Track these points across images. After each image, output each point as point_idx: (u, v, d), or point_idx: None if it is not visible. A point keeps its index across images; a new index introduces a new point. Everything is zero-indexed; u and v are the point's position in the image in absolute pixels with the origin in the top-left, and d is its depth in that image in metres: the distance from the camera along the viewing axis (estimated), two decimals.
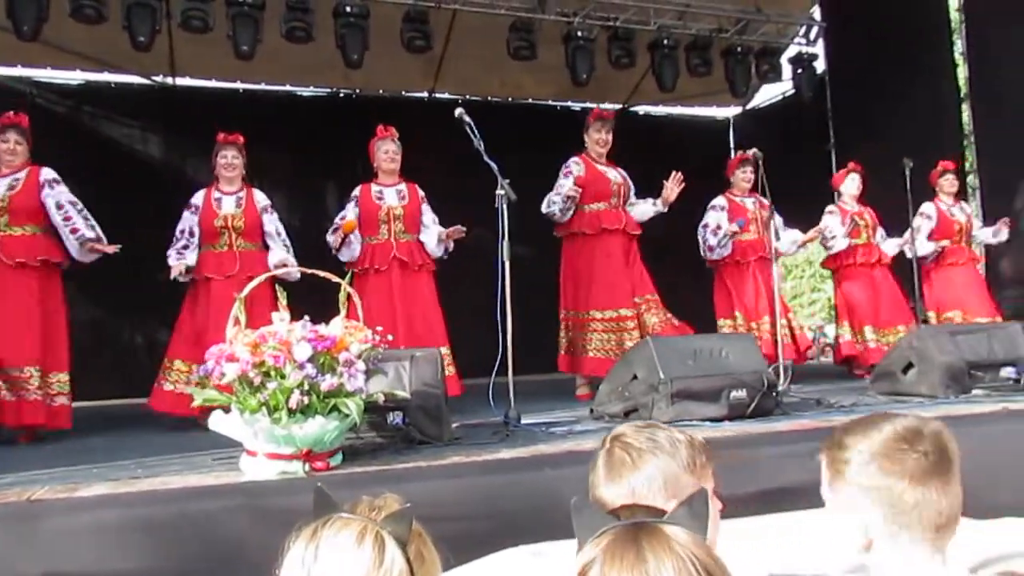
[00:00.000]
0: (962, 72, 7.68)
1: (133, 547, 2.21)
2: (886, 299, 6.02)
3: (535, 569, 2.04)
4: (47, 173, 4.32)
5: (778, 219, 5.74)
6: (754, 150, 4.74)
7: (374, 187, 4.94)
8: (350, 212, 4.85)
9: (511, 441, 3.12)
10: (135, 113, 7.56)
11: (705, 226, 5.72)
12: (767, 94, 9.34)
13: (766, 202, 5.50)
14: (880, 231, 6.25)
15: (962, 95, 7.67)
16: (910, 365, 4.20)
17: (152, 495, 2.37)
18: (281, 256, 4.61)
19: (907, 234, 5.91)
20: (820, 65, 8.38)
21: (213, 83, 7.89)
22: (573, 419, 3.75)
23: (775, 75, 8.01)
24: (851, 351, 6.06)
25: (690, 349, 3.68)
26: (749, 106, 9.60)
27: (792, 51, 8.17)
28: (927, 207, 6.12)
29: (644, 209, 5.36)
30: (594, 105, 8.78)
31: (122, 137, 7.53)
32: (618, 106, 9.15)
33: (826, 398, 4.10)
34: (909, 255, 5.89)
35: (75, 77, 7.42)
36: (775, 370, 4.06)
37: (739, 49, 7.63)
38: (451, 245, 4.98)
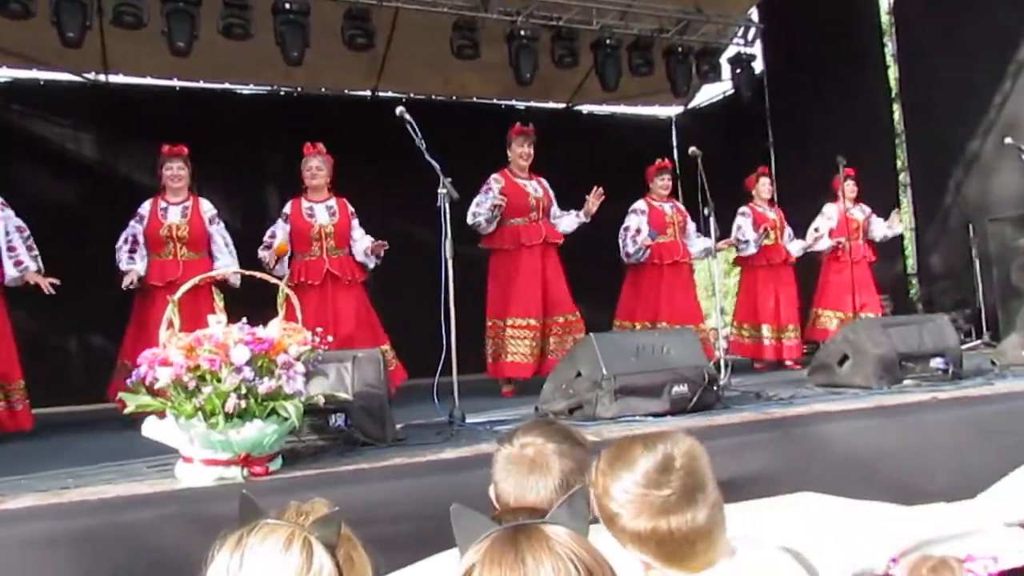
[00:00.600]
0: (893, 73, 7.93)
1: (63, 561, 2.15)
2: (785, 299, 6.42)
3: None
4: None
5: (691, 225, 6.08)
6: (692, 148, 4.81)
7: (304, 203, 4.99)
8: (280, 230, 4.91)
9: (455, 441, 3.11)
10: (66, 111, 7.31)
11: (626, 229, 5.88)
12: (708, 94, 9.51)
13: (682, 208, 5.97)
14: (788, 231, 6.61)
15: (893, 95, 7.91)
16: (845, 357, 4.32)
17: (83, 506, 2.30)
18: (226, 262, 4.70)
19: (809, 238, 6.50)
20: (759, 66, 8.56)
21: (148, 80, 7.66)
22: (518, 417, 3.75)
23: (715, 75, 8.16)
24: (742, 349, 6.49)
25: (633, 345, 3.72)
26: (691, 105, 9.75)
27: (731, 51, 8.33)
28: (828, 208, 6.52)
29: (569, 221, 5.50)
30: (539, 104, 8.88)
31: (53, 136, 7.26)
32: (562, 105, 9.21)
33: (765, 391, 4.18)
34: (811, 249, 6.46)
35: (1, 74, 7.14)
36: (716, 365, 4.13)
37: (680, 49, 7.74)
38: (380, 253, 5.01)
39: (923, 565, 1.38)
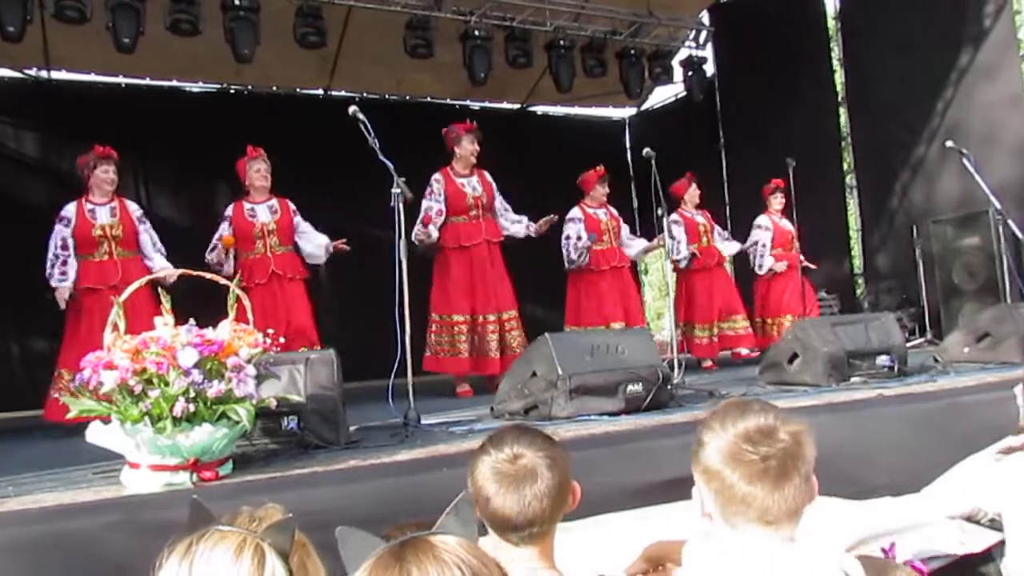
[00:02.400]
0: (839, 77, 8.11)
1: (3, 573, 2.07)
2: (723, 296, 6.60)
3: None
4: None
5: (624, 229, 6.21)
6: (647, 150, 4.85)
7: (246, 205, 5.06)
8: (225, 231, 4.98)
9: (410, 442, 3.07)
10: (7, 108, 7.08)
11: (567, 238, 5.98)
12: (661, 95, 9.61)
13: (616, 213, 6.13)
14: (718, 231, 6.80)
15: (839, 99, 8.09)
16: (795, 355, 4.39)
17: (23, 515, 2.21)
18: (163, 264, 4.69)
19: (754, 251, 6.66)
20: (710, 68, 8.68)
21: (93, 77, 7.46)
22: (473, 418, 3.74)
23: (667, 77, 8.26)
24: (690, 348, 6.63)
25: (588, 345, 3.73)
26: (644, 107, 9.85)
27: (683, 54, 8.43)
28: (763, 219, 6.72)
29: (519, 229, 5.57)
30: (493, 104, 8.89)
31: None
32: (516, 106, 9.22)
33: (718, 389, 4.23)
34: (753, 267, 6.70)
35: None
36: (669, 363, 4.16)
37: (632, 51, 7.82)
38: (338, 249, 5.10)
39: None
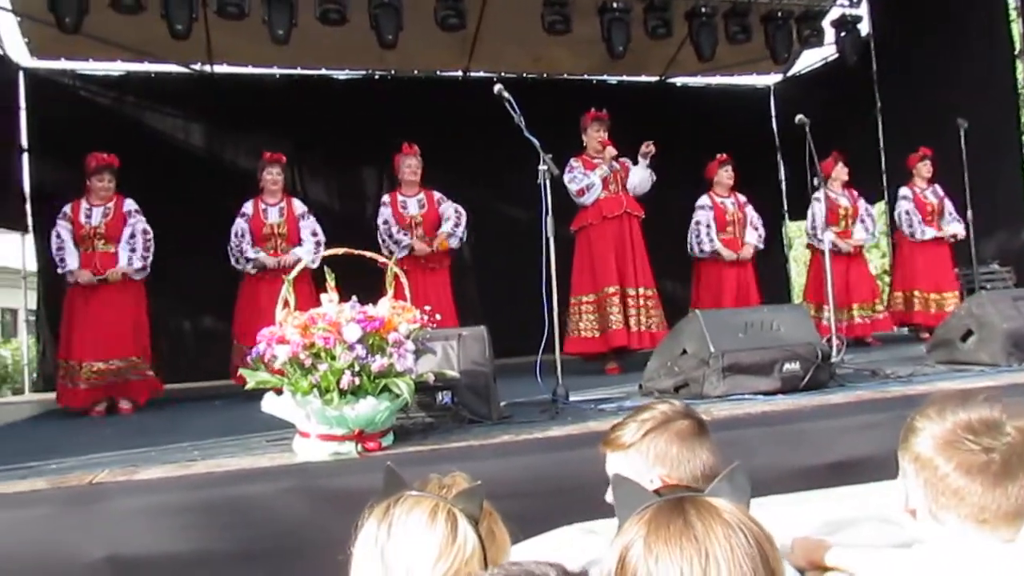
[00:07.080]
0: (1017, 28, 7.38)
1: (191, 529, 2.24)
2: (855, 281, 6.27)
3: (588, 547, 2.02)
4: (131, 204, 4.98)
5: (754, 216, 6.02)
6: (800, 116, 4.59)
7: (399, 198, 5.47)
8: (389, 216, 5.34)
9: (560, 419, 3.09)
10: (176, 102, 7.62)
11: (697, 223, 5.88)
12: (808, 60, 9.10)
13: (743, 200, 5.96)
14: (862, 209, 6.42)
15: (1016, 51, 7.36)
16: (969, 332, 4.06)
17: (208, 478, 2.40)
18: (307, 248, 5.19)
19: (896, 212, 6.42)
20: (864, 27, 8.13)
21: (250, 69, 7.91)
22: (623, 395, 3.71)
23: (817, 39, 7.80)
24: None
25: (740, 322, 3.61)
26: (790, 73, 9.36)
27: (835, 14, 7.94)
28: (904, 191, 6.44)
29: (642, 175, 5.38)
30: (631, 78, 8.72)
31: (165, 127, 7.59)
32: (655, 78, 9.00)
33: (882, 369, 3.99)
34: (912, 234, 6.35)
35: (116, 68, 7.48)
36: (828, 341, 3.96)
37: (779, 14, 7.44)
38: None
39: None
